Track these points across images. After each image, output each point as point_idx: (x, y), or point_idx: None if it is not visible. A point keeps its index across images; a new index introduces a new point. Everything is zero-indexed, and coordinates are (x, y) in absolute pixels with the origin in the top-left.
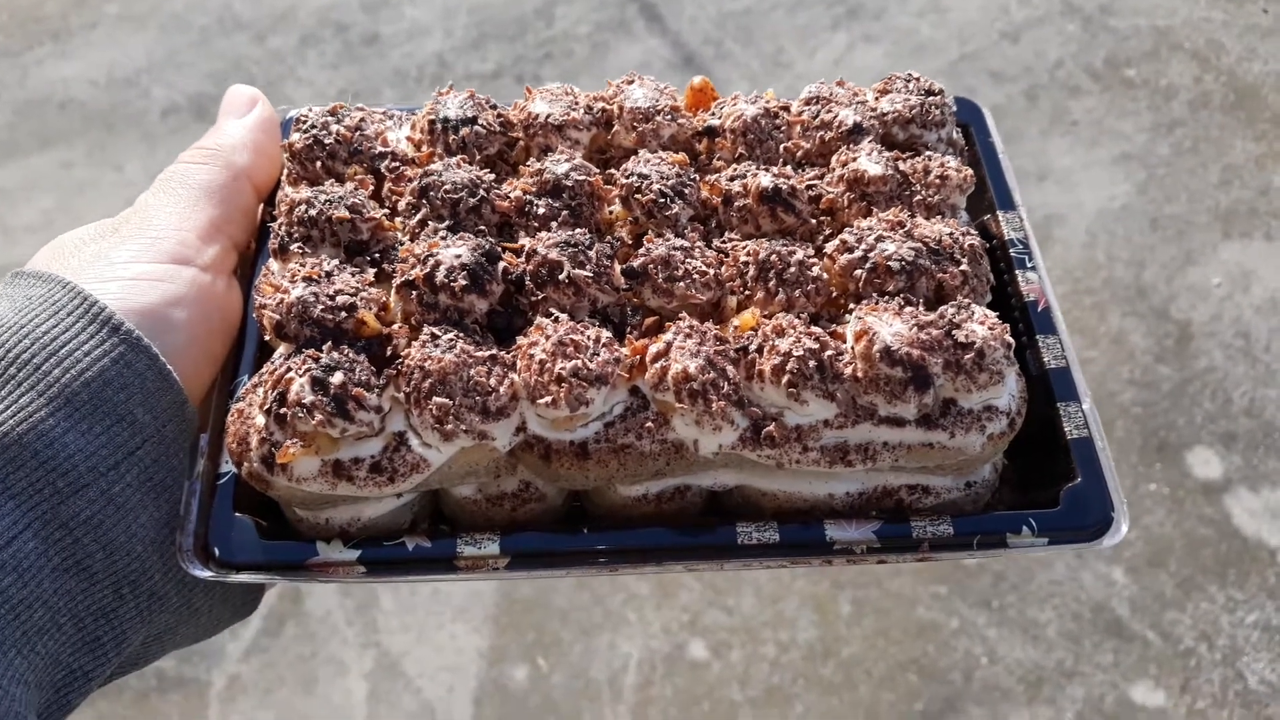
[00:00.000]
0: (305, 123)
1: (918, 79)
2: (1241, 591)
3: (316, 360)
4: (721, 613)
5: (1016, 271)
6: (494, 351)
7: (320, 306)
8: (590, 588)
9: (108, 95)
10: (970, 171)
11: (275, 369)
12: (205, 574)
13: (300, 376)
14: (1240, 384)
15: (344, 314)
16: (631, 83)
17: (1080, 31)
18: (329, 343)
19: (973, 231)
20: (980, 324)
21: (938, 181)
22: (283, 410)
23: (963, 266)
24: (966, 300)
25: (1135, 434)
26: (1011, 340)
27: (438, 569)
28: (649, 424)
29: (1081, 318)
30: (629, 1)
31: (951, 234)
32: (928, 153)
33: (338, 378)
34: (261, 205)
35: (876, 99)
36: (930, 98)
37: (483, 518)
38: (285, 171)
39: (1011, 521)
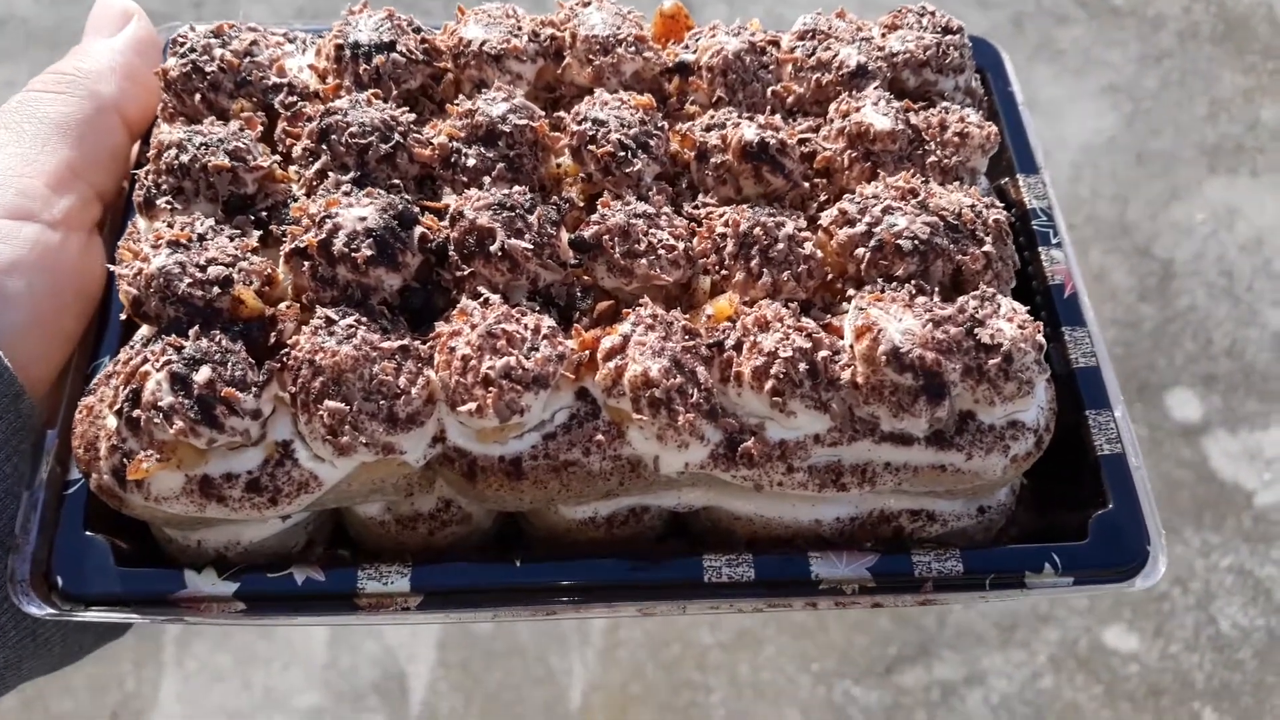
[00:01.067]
0: (183, 45)
1: (933, 13)
2: (1217, 535)
3: (179, 350)
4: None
5: (1040, 249)
6: (405, 342)
7: (187, 280)
8: None
9: (52, 12)
10: (994, 128)
11: (130, 358)
12: (42, 611)
13: (158, 371)
14: (1222, 324)
15: (216, 289)
16: (588, 4)
17: None
18: (197, 326)
19: (998, 204)
20: (1008, 321)
21: (956, 139)
22: (136, 413)
23: (986, 247)
24: (991, 291)
25: (1116, 375)
26: (1044, 342)
27: (333, 608)
28: (599, 437)
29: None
30: None
31: (974, 206)
32: (944, 104)
33: (204, 374)
34: (136, 144)
35: (884, 35)
36: (948, 36)
37: (393, 542)
38: (160, 105)
39: (1031, 557)
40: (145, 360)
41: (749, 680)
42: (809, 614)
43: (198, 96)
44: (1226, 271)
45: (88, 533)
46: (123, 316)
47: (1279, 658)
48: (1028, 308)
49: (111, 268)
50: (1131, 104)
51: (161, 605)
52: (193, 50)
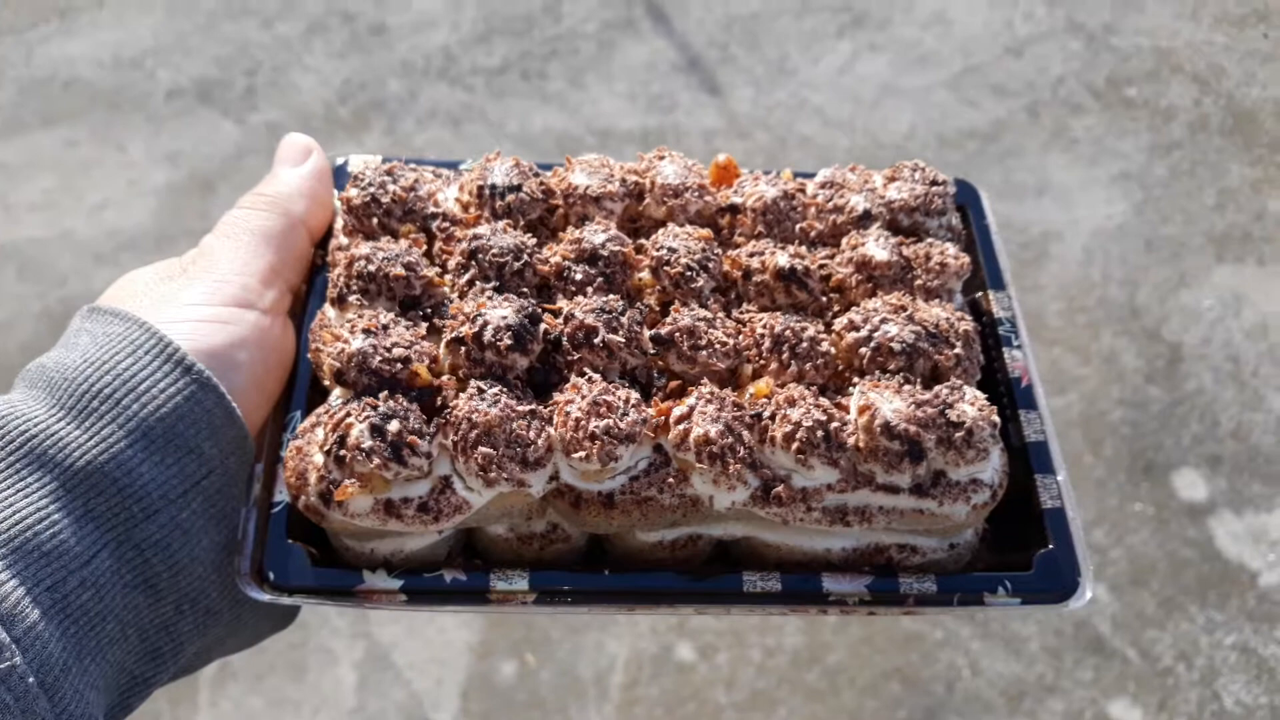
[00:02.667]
0: (363, 180)
1: (923, 169)
2: (1221, 613)
3: (375, 408)
4: (709, 617)
5: (1004, 349)
6: (533, 406)
7: (379, 358)
8: None
9: (113, 76)
10: (967, 259)
11: (335, 413)
12: (263, 596)
13: (360, 423)
14: (1228, 407)
15: (399, 365)
16: (663, 158)
17: (1083, 49)
18: (385, 391)
19: (967, 317)
20: (971, 405)
21: (938, 268)
22: (342, 452)
23: (957, 350)
24: (959, 382)
25: (1123, 454)
26: (998, 420)
27: (472, 600)
28: (670, 479)
29: (1075, 336)
30: (636, 0)
31: (948, 319)
32: (929, 239)
33: (394, 425)
34: (314, 249)
35: (885, 185)
36: (934, 188)
37: (512, 554)
38: (341, 223)
39: (989, 582)
40: (349, 415)
41: None
42: (821, 677)
43: (375, 220)
44: (1233, 356)
45: (288, 540)
46: (325, 382)
47: None
48: (986, 395)
49: (310, 346)
50: (1142, 192)
51: (346, 595)
52: (370, 185)
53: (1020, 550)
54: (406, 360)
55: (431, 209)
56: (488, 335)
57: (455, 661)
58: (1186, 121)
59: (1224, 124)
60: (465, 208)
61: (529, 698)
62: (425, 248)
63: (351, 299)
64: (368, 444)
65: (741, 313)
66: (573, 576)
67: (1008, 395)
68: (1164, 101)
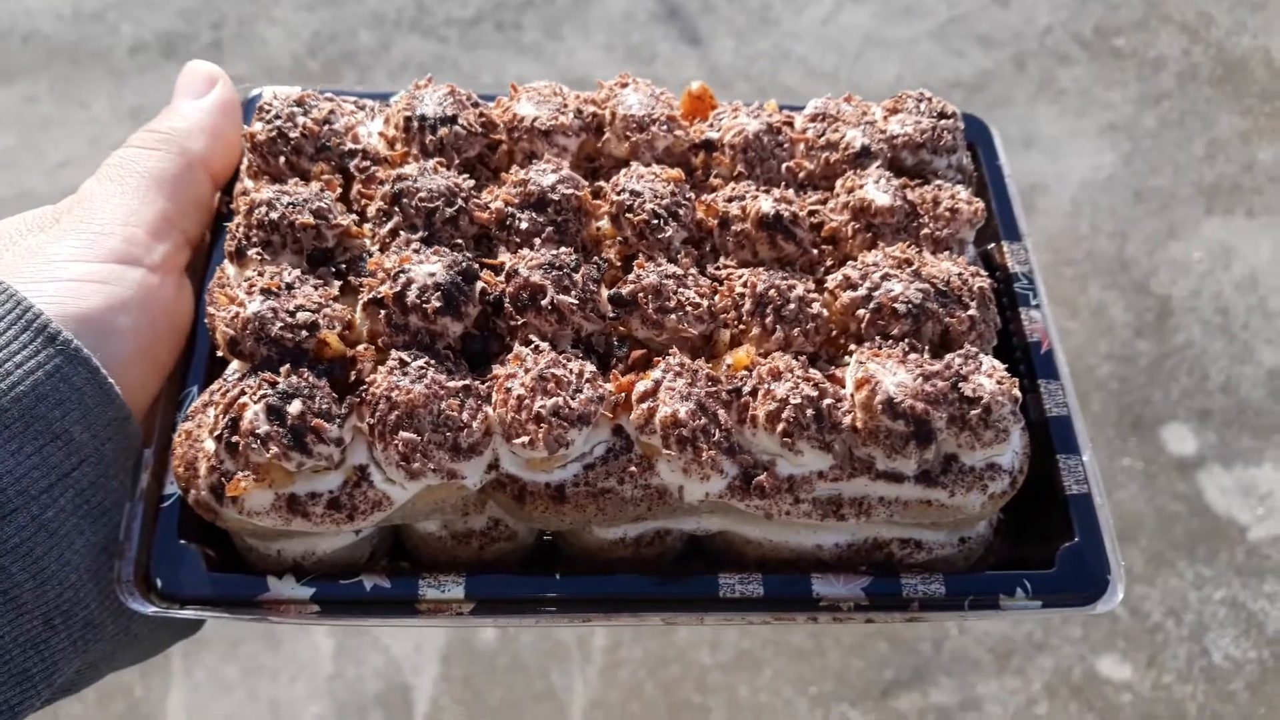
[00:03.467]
0: (269, 112)
1: (930, 99)
2: (1210, 568)
3: (273, 385)
4: None
5: (1020, 309)
6: (467, 382)
7: (279, 324)
8: None
9: (74, 29)
10: (981, 205)
11: (228, 391)
12: (146, 609)
13: (255, 403)
14: (1217, 360)
15: (304, 333)
16: (626, 86)
17: None
18: (287, 364)
19: (982, 272)
20: (988, 377)
21: (947, 214)
22: (235, 439)
23: (971, 311)
24: (974, 349)
25: (1111, 408)
26: (1019, 395)
27: (397, 611)
28: (632, 468)
29: (1062, 289)
30: None
31: (960, 274)
32: (937, 181)
33: (295, 407)
34: (218, 194)
35: (885, 118)
36: (943, 121)
37: (447, 555)
38: (245, 162)
39: (1005, 582)
40: (243, 393)
41: (747, 702)
42: (807, 638)
43: (282, 159)
44: (1222, 309)
45: (181, 541)
46: (219, 354)
47: (1270, 690)
48: (1006, 365)
49: (207, 310)
50: (1130, 143)
51: (247, 605)
52: (278, 117)
53: (1040, 542)
54: (313, 326)
55: (350, 145)
56: (412, 296)
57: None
58: (1176, 71)
59: (1214, 74)
60: (391, 144)
61: (510, 661)
62: (341, 191)
63: (251, 253)
64: (263, 429)
65: (718, 268)
66: (517, 581)
67: (1025, 363)
68: (1153, 51)
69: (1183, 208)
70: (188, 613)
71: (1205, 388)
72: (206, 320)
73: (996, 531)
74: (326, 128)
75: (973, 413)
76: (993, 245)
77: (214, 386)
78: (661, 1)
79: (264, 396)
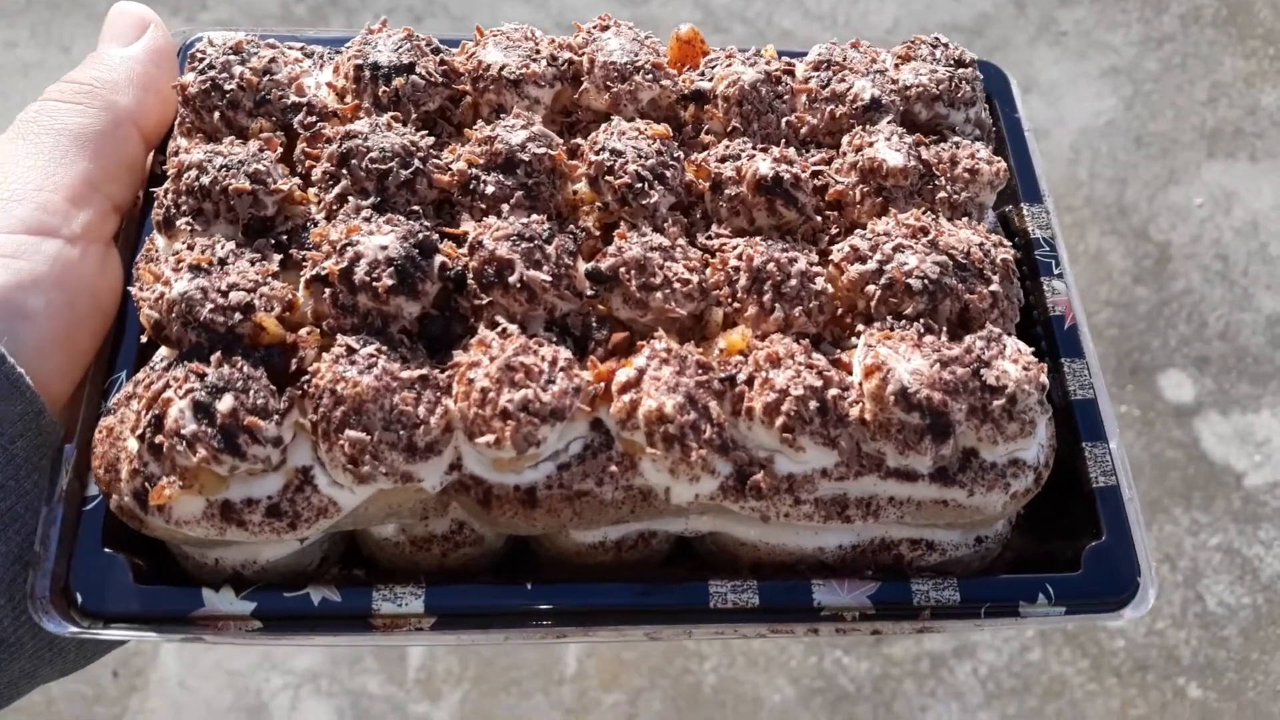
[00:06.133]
0: (202, 60)
1: (945, 45)
2: (1206, 514)
3: (202, 377)
4: None
5: (1042, 279)
6: (424, 371)
7: (209, 306)
8: None
9: None
10: (1003, 165)
11: (152, 382)
12: (64, 630)
13: (181, 399)
14: (1216, 307)
15: (238, 316)
16: (606, 29)
17: None
18: (218, 352)
19: (1005, 242)
20: (1013, 362)
21: (966, 175)
22: (159, 439)
23: (993, 286)
24: (997, 330)
25: (1110, 355)
26: (1047, 382)
27: (348, 627)
28: (612, 468)
29: (1061, 235)
30: None
31: (981, 244)
32: (954, 138)
33: (226, 403)
34: (151, 154)
35: (897, 67)
36: (960, 70)
37: (406, 562)
38: (178, 117)
39: (1025, 588)
40: (168, 386)
41: (741, 649)
42: None
43: (216, 114)
44: (1222, 255)
45: (106, 550)
46: (143, 339)
47: (1263, 635)
48: (1032, 348)
49: (131, 290)
50: (1132, 87)
51: (180, 623)
52: (211, 67)
53: (1064, 540)
54: (248, 308)
55: (293, 98)
56: (361, 272)
57: None
58: (1178, 13)
59: (1217, 15)
60: (341, 96)
61: None
62: (282, 151)
63: (180, 223)
64: (190, 429)
65: (709, 238)
66: (483, 591)
67: (1046, 339)
68: None
69: (1184, 153)
70: (112, 633)
71: (1204, 334)
72: (139, 304)
73: (1015, 526)
74: (267, 78)
75: (995, 403)
76: (1010, 207)
77: (138, 376)
78: None
79: (190, 391)
